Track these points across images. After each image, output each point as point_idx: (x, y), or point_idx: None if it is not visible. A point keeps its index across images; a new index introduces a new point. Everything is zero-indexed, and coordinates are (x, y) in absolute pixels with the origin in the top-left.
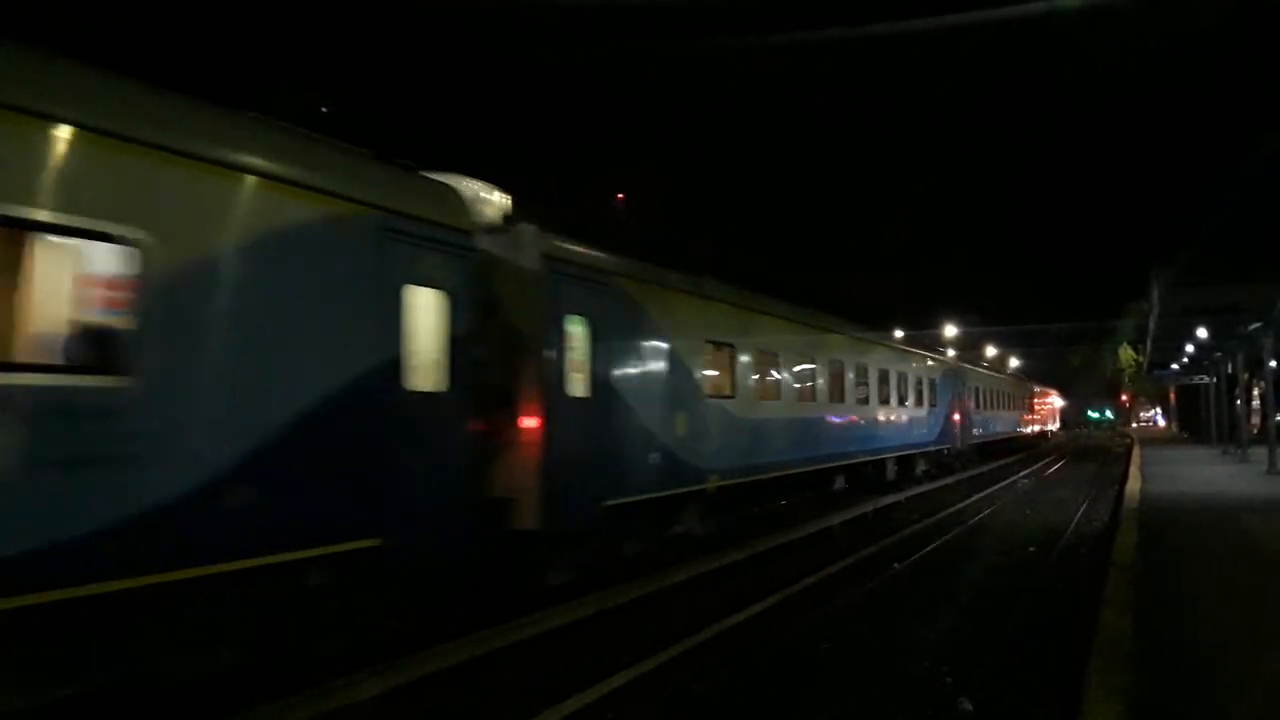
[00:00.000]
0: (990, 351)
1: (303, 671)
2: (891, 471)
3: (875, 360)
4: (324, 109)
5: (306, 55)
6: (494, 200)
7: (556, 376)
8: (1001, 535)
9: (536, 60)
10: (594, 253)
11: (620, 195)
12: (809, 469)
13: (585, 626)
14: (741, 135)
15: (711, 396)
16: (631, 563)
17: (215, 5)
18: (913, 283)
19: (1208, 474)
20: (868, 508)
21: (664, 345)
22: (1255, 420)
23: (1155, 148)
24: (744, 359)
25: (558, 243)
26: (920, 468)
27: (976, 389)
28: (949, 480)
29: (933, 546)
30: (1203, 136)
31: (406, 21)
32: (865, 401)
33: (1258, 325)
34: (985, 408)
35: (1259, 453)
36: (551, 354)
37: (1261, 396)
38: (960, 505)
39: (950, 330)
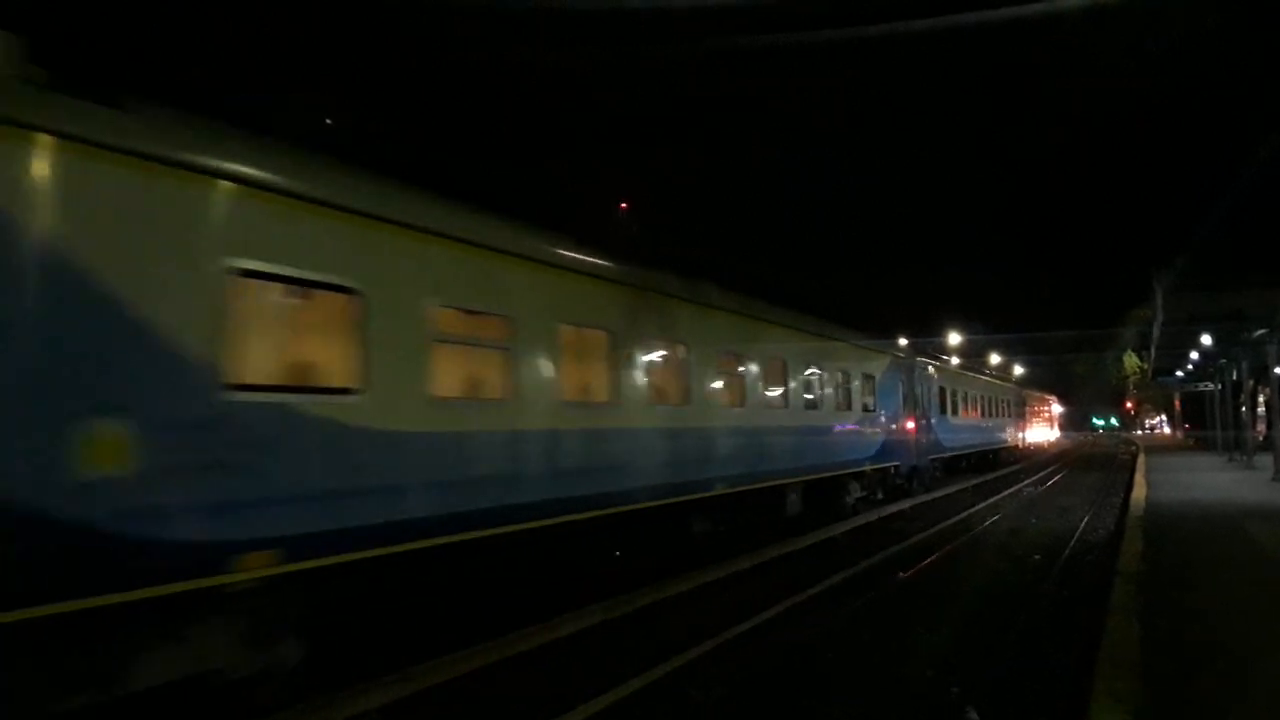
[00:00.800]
0: (994, 359)
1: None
2: (793, 505)
3: (759, 345)
4: (328, 120)
5: (307, 64)
6: None
7: None
8: (1006, 543)
9: (539, 65)
10: None
11: (624, 204)
12: (620, 510)
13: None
14: (743, 139)
15: (263, 389)
16: None
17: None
18: (915, 290)
19: (1213, 481)
20: (707, 577)
21: (53, 272)
22: (1261, 427)
23: (1157, 152)
24: (390, 317)
25: None
26: (854, 495)
27: (943, 390)
28: (950, 490)
29: (938, 554)
30: (1205, 140)
31: (408, 26)
32: (739, 404)
33: (1263, 332)
34: (959, 413)
35: (1264, 460)
36: None
37: (1267, 403)
38: (965, 513)
39: (955, 338)
